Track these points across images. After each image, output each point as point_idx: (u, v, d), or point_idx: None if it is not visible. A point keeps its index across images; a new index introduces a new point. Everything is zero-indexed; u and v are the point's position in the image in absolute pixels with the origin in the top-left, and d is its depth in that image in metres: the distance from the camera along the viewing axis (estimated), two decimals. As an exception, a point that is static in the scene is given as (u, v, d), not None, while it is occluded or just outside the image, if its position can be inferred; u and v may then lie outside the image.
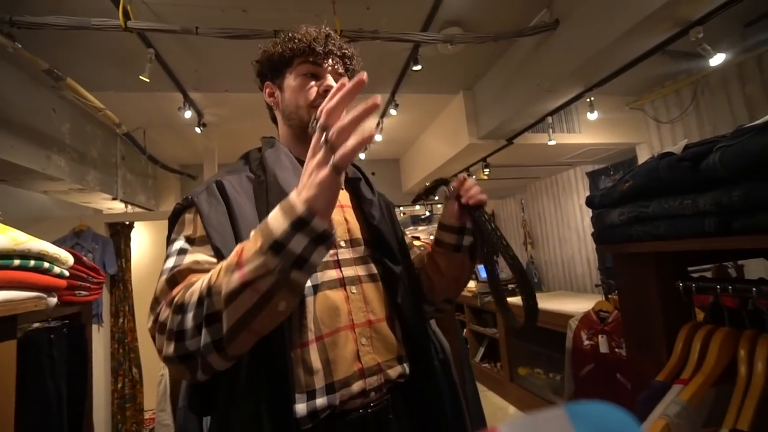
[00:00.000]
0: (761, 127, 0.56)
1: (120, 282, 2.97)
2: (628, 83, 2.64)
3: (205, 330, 0.48)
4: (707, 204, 0.62)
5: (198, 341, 0.49)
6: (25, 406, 1.17)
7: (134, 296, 3.05)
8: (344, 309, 0.66)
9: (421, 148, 3.96)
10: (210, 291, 0.48)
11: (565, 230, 4.08)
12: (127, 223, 3.13)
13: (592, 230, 0.89)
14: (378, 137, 3.27)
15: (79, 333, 1.53)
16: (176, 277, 0.56)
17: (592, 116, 2.41)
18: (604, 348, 1.99)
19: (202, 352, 0.49)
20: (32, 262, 0.57)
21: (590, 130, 2.95)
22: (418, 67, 2.18)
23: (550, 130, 2.67)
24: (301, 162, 0.73)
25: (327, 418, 0.61)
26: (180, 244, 0.61)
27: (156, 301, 0.56)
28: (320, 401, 0.60)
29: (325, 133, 0.48)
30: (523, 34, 2.04)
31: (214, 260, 0.59)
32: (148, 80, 1.95)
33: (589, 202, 0.88)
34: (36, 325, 1.35)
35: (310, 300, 0.64)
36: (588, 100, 2.33)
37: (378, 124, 3.22)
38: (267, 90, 0.80)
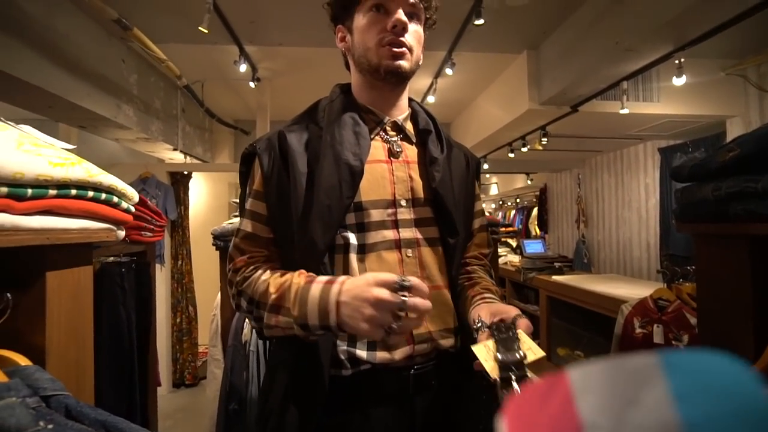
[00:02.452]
0: None
1: (179, 227, 3.21)
2: (727, 43, 2.24)
3: (253, 321, 0.65)
4: (841, 181, 0.51)
5: (250, 318, 0.65)
6: (103, 328, 1.32)
7: (191, 241, 3.30)
8: (396, 272, 0.63)
9: (475, 111, 3.75)
10: (258, 304, 0.62)
11: (625, 210, 3.77)
12: (186, 173, 3.33)
13: (676, 206, 0.78)
14: (431, 98, 3.13)
15: (144, 269, 1.68)
16: (240, 247, 0.67)
17: (680, 81, 2.10)
18: (658, 338, 1.85)
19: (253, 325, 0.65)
20: (103, 195, 0.61)
21: (672, 98, 2.60)
22: (480, 21, 2.00)
23: (624, 98, 2.39)
24: (368, 111, 0.72)
25: (367, 373, 0.62)
26: (248, 203, 0.69)
27: (230, 258, 0.68)
28: (360, 352, 0.61)
29: (402, 313, 0.51)
30: (607, -18, 1.78)
31: (267, 226, 0.67)
32: (206, 31, 1.96)
33: (676, 174, 0.77)
34: (111, 259, 1.49)
35: (355, 260, 0.64)
36: (677, 62, 2.02)
37: (431, 85, 3.07)
38: (339, 34, 0.74)
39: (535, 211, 5.54)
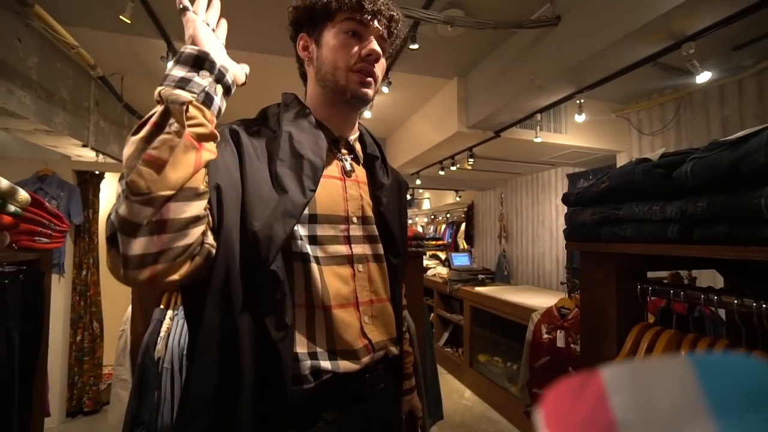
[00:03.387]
0: (733, 142, 0.59)
1: (86, 233, 2.85)
2: (617, 90, 2.69)
3: (144, 230, 0.47)
4: (673, 211, 0.65)
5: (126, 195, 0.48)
6: (-27, 348, 1.13)
7: (100, 249, 2.95)
8: (350, 286, 0.67)
9: (409, 130, 3.93)
10: (126, 186, 0.47)
11: (539, 227, 4.19)
12: (98, 172, 2.99)
13: (565, 228, 0.92)
14: (367, 114, 3.22)
15: (36, 280, 1.47)
16: None
17: (580, 118, 2.45)
18: (561, 342, 2.09)
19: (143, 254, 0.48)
20: (-13, 199, 0.54)
21: (576, 132, 3.00)
22: (415, 46, 2.13)
23: (538, 128, 2.70)
24: (323, 126, 0.72)
25: (329, 381, 0.63)
26: None
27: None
28: (324, 363, 0.63)
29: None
30: (524, 25, 2.02)
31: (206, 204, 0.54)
32: (128, 21, 1.82)
33: (565, 199, 0.90)
34: (-11, 268, 1.29)
35: (316, 269, 0.64)
36: (578, 101, 2.36)
37: (369, 101, 3.16)
38: (301, 42, 0.73)
39: (463, 226, 5.90)
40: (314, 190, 0.63)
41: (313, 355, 0.62)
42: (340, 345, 0.64)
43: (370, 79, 0.69)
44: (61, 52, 2.47)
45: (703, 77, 1.95)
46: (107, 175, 3.13)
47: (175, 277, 0.50)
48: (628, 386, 0.17)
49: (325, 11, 0.68)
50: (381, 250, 0.74)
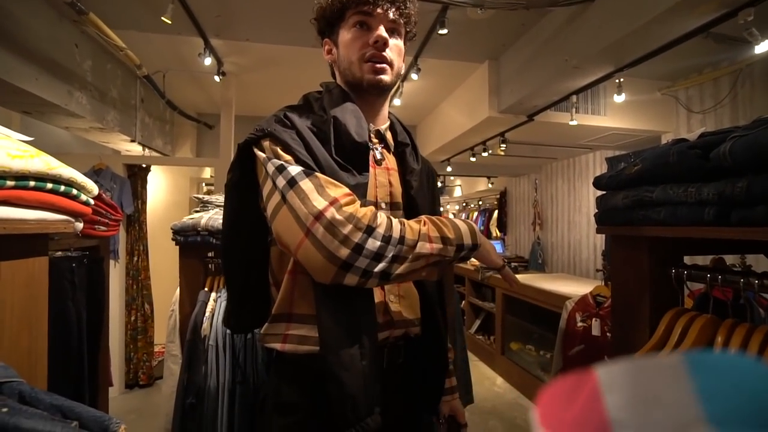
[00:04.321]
0: (778, 119, 0.56)
1: (136, 222, 3.09)
2: (662, 67, 2.50)
3: (384, 263, 0.60)
4: (710, 193, 0.63)
5: (370, 264, 0.60)
6: (50, 324, 1.28)
7: (149, 237, 3.18)
8: None
9: (439, 116, 3.88)
10: (403, 240, 0.61)
11: (576, 214, 4.04)
12: (144, 165, 3.21)
13: (596, 212, 0.90)
14: (397, 101, 3.21)
15: (97, 265, 1.63)
16: (326, 186, 0.62)
17: (619, 98, 2.32)
18: (596, 331, 2.04)
19: (368, 271, 0.60)
20: (62, 188, 0.62)
21: (616, 113, 2.84)
22: (444, 31, 2.10)
23: (574, 110, 2.58)
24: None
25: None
26: (284, 172, 0.63)
27: (319, 196, 0.60)
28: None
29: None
30: (559, 3, 1.94)
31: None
32: (169, 22, 1.92)
33: (597, 183, 0.88)
34: (59, 253, 1.44)
35: None
36: (617, 81, 2.23)
37: (398, 89, 3.15)
38: (326, 47, 0.78)
39: (495, 213, 5.78)
40: (367, 171, 0.69)
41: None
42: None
43: (381, 65, 0.71)
44: (110, 54, 2.65)
45: (764, 47, 1.78)
46: (153, 168, 3.34)
47: None
48: (622, 386, 0.17)
49: (334, 13, 0.73)
50: None
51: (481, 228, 6.07)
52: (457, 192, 7.17)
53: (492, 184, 5.50)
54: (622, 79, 2.21)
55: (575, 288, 2.70)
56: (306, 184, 0.61)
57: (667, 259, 0.78)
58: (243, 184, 0.71)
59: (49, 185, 0.60)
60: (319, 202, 0.59)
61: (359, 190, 0.66)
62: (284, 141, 0.65)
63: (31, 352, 0.63)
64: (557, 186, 4.36)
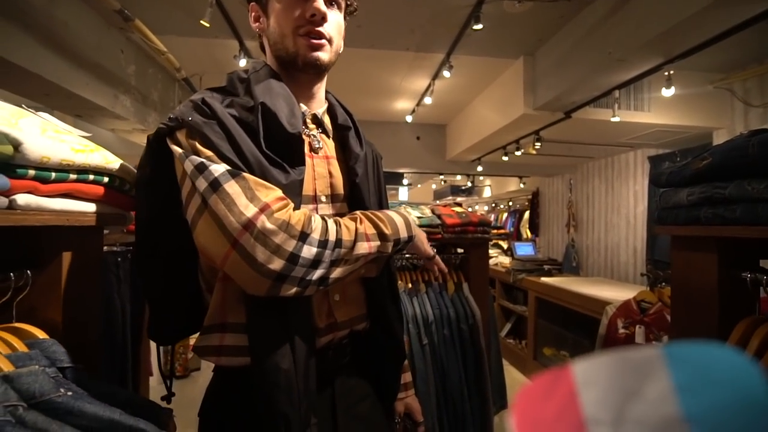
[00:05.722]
0: None
1: (174, 220, 3.21)
2: (716, 57, 2.33)
3: (322, 269, 0.56)
4: (799, 189, 0.57)
5: (308, 272, 0.55)
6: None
7: (186, 234, 3.30)
8: None
9: (470, 115, 3.81)
10: (340, 243, 0.58)
11: (614, 216, 3.86)
12: (182, 165, 3.33)
13: (655, 210, 0.84)
14: (427, 100, 3.18)
15: (140, 259, 1.69)
16: (254, 189, 0.54)
17: (668, 93, 2.18)
18: (640, 339, 1.93)
19: (305, 279, 0.55)
20: (117, 182, 0.64)
21: (661, 108, 2.68)
22: (479, 26, 2.05)
23: (616, 106, 2.46)
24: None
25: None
26: (206, 171, 0.54)
27: (238, 210, 0.52)
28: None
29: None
30: (602, -7, 1.85)
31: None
32: (208, 25, 1.98)
33: (656, 180, 0.82)
34: (105, 248, 1.50)
35: None
36: (666, 74, 2.10)
37: (429, 87, 3.11)
38: (252, 13, 0.69)
39: (527, 214, 5.62)
40: (303, 164, 0.61)
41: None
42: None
43: (318, 41, 0.63)
44: (152, 59, 2.77)
45: (833, 34, 1.63)
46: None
47: None
48: (598, 381, 0.16)
49: None
50: None
51: (511, 229, 5.92)
52: (487, 192, 7.03)
53: (524, 184, 5.35)
54: (671, 71, 2.07)
55: (614, 293, 2.57)
56: (231, 187, 0.52)
57: (739, 262, 0.71)
58: (157, 182, 0.61)
59: (106, 179, 0.62)
60: (249, 210, 0.52)
61: (293, 189, 0.59)
62: (203, 133, 0.55)
63: (87, 342, 0.65)
64: (594, 186, 4.19)
